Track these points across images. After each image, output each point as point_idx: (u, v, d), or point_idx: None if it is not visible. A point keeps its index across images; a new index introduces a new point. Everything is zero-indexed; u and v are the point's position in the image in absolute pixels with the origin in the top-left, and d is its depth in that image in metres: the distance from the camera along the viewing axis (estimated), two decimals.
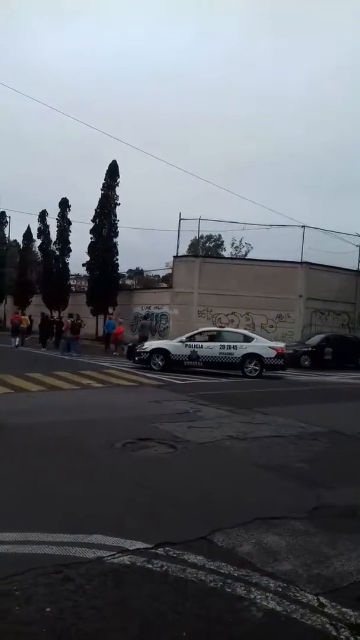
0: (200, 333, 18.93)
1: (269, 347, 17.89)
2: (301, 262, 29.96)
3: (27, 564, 3.72)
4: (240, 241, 58.90)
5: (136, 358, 18.77)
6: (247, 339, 18.17)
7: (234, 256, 53.78)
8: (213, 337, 18.44)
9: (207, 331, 19.21)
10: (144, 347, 18.89)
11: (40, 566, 3.70)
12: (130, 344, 21.57)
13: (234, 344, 17.82)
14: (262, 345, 17.94)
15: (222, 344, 17.88)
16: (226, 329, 19.47)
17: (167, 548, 4.08)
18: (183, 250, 34.28)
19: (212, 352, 17.80)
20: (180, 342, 18.41)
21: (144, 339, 22.38)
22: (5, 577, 3.53)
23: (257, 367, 17.55)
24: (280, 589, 3.54)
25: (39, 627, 3.01)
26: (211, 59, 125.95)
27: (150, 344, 19.30)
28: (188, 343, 18.14)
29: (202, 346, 17.98)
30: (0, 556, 3.87)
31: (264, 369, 17.66)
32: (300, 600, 3.41)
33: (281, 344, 18.87)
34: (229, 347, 17.75)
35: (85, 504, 5.13)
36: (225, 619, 3.19)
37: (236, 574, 3.72)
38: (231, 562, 3.91)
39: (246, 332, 19.72)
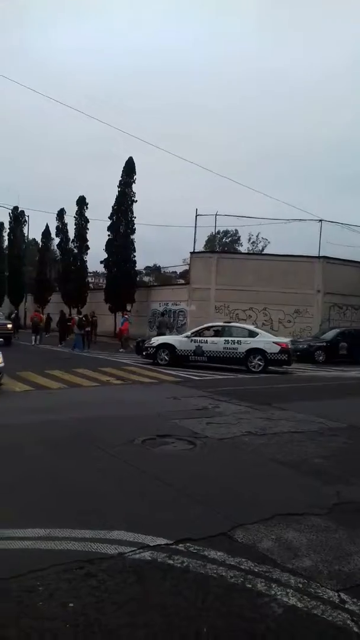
0: (208, 328, 19.03)
1: (273, 342, 17.84)
2: (319, 257, 29.76)
3: (50, 560, 3.78)
4: (257, 236, 58.78)
5: (143, 353, 19.13)
6: (252, 334, 18.16)
7: (251, 251, 53.69)
8: (218, 332, 18.52)
9: (213, 326, 19.27)
10: (150, 342, 19.18)
11: (63, 562, 3.76)
12: (138, 340, 21.92)
13: (238, 339, 17.87)
14: (266, 340, 17.93)
15: (227, 339, 17.97)
16: (231, 324, 19.42)
17: (187, 544, 4.11)
18: (200, 246, 34.28)
19: (217, 347, 17.91)
20: (186, 337, 18.66)
21: (161, 335, 22.48)
22: (28, 572, 3.58)
23: (260, 362, 17.54)
24: (301, 585, 3.55)
25: (62, 623, 3.06)
26: (226, 54, 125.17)
27: (156, 339, 19.55)
28: (193, 338, 18.34)
29: (207, 341, 18.12)
30: (23, 552, 3.94)
31: (268, 364, 17.63)
32: (321, 597, 3.41)
33: (285, 340, 18.84)
34: (233, 342, 17.81)
35: (105, 500, 5.18)
36: (246, 615, 3.20)
37: (257, 570, 3.74)
38: (251, 558, 3.92)
39: (251, 327, 19.66)
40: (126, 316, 27.38)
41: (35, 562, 3.74)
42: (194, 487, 5.63)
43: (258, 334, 18.25)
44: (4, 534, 4.21)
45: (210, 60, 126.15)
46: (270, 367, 17.78)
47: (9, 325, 27.56)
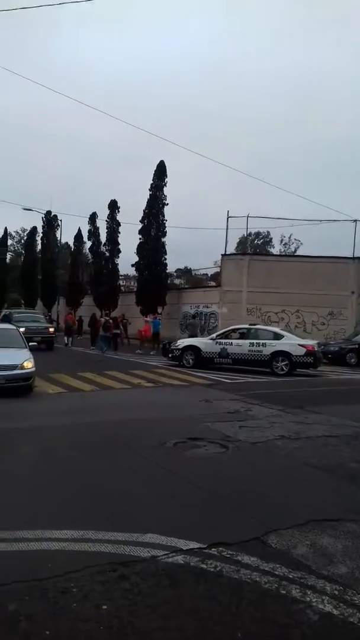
0: (233, 330, 18.97)
1: (299, 345, 17.53)
2: (353, 258, 29.30)
3: (84, 562, 3.81)
4: (289, 238, 58.35)
5: (169, 355, 19.29)
6: (277, 337, 17.98)
7: (283, 253, 53.21)
8: (243, 334, 18.44)
9: (238, 329, 19.18)
10: (176, 345, 19.32)
11: (96, 564, 3.79)
12: (165, 342, 22.11)
13: (263, 341, 17.72)
14: (292, 342, 17.65)
15: (252, 341, 17.87)
16: (256, 326, 19.29)
17: (220, 548, 4.09)
18: (231, 248, 34.12)
19: (242, 349, 17.84)
20: (211, 339, 18.72)
21: (192, 337, 22.50)
22: (63, 573, 3.62)
23: (285, 365, 17.31)
24: (336, 592, 3.49)
25: (96, 624, 3.08)
26: (248, 53, 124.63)
27: (182, 342, 19.70)
28: (218, 340, 18.36)
29: (231, 343, 18.09)
30: (58, 553, 3.98)
31: (293, 367, 17.36)
32: (358, 604, 3.35)
33: (312, 342, 18.52)
34: (258, 344, 17.67)
35: (138, 502, 5.20)
36: (281, 621, 3.17)
37: (291, 576, 3.69)
38: (286, 563, 3.88)
39: (276, 329, 19.47)
40: (147, 319, 27.68)
41: (69, 564, 3.78)
42: (226, 491, 5.60)
43: (283, 337, 18.06)
44: (41, 534, 4.27)
45: (243, 58, 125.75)
46: (297, 370, 17.57)
47: (51, 329, 26.96)
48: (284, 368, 17.26)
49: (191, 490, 5.63)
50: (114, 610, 3.23)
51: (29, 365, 11.79)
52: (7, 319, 25.64)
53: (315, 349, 17.76)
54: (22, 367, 11.65)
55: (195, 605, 3.32)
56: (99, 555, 3.96)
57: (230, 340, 18.23)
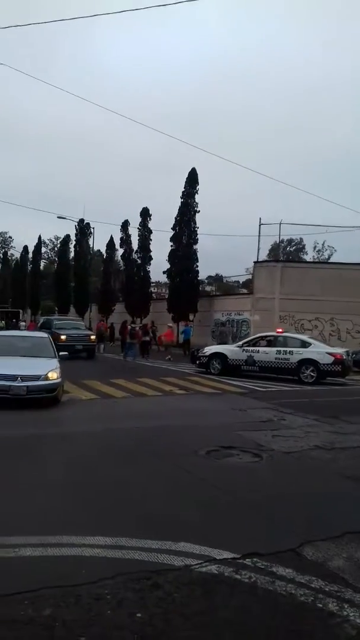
0: (262, 338, 18.87)
1: (327, 353, 17.26)
2: None
3: (117, 569, 3.81)
4: (323, 244, 57.74)
5: (197, 362, 19.37)
6: (304, 345, 17.76)
7: (317, 260, 52.62)
8: (270, 342, 18.32)
9: (265, 336, 19.06)
10: (203, 352, 19.35)
11: (130, 571, 3.79)
12: (193, 349, 22.23)
13: (291, 349, 17.56)
14: (319, 350, 17.39)
15: (279, 349, 17.74)
16: (284, 334, 19.09)
17: (254, 559, 4.04)
18: (263, 255, 33.95)
19: (268, 357, 17.73)
20: (238, 347, 18.68)
21: (223, 345, 22.47)
22: (97, 580, 3.63)
23: (313, 374, 17.03)
24: None
25: (130, 632, 3.07)
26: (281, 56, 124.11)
27: (209, 349, 19.72)
28: (245, 348, 18.32)
29: (258, 351, 18.01)
30: (91, 559, 4.00)
31: (321, 375, 17.07)
32: None
33: (340, 350, 18.17)
34: (285, 352, 17.53)
35: (171, 511, 5.18)
36: (318, 635, 3.11)
37: (327, 589, 3.61)
38: (322, 576, 3.80)
39: (304, 337, 19.20)
40: (170, 325, 28.15)
41: (103, 570, 3.78)
42: (260, 501, 5.54)
43: (311, 344, 17.81)
44: (75, 540, 4.30)
45: (277, 62, 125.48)
46: (326, 379, 17.30)
47: (93, 337, 25.77)
48: (312, 376, 17.03)
49: (224, 499, 5.59)
50: (148, 618, 3.22)
51: (53, 376, 11.19)
52: (46, 326, 25.37)
53: (344, 358, 17.39)
54: (46, 378, 11.04)
55: (230, 616, 3.29)
56: (131, 562, 3.95)
57: (257, 348, 18.17)
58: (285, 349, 17.65)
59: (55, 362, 11.84)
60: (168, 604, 3.39)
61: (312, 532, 4.63)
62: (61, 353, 12.44)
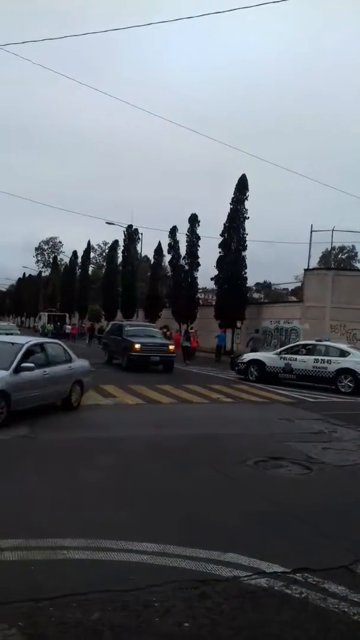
0: (302, 346, 18.69)
1: None
2: None
3: (165, 577, 3.78)
4: None
5: (235, 368, 19.57)
6: (343, 354, 17.38)
7: None
8: (309, 350, 18.09)
9: (305, 344, 18.87)
10: (242, 358, 19.50)
11: (177, 580, 3.75)
12: (232, 356, 22.37)
13: (329, 358, 17.21)
14: (357, 360, 16.85)
15: (317, 357, 17.46)
16: (323, 342, 18.74)
17: (305, 574, 3.92)
18: (313, 262, 33.37)
19: (306, 365, 17.48)
20: (276, 354, 18.63)
21: (255, 352, 22.28)
22: (145, 586, 3.61)
23: (351, 384, 16.56)
24: None
25: None
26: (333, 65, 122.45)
27: (247, 355, 19.77)
28: (283, 355, 18.19)
29: (296, 359, 17.79)
30: (139, 565, 3.98)
31: (359, 385, 16.58)
32: None
33: None
34: (323, 361, 17.21)
35: (218, 520, 5.11)
36: None
37: None
38: None
39: (344, 346, 18.76)
40: (192, 329, 28.86)
41: (151, 577, 3.76)
42: (311, 515, 5.39)
43: (350, 354, 17.40)
44: (123, 545, 4.30)
45: (317, 72, 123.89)
46: None
47: (171, 347, 21.25)
48: (349, 386, 16.60)
49: (273, 511, 5.48)
50: (196, 629, 3.17)
51: None
52: (116, 333, 22.73)
53: None
54: None
55: (281, 631, 3.20)
56: (179, 571, 3.91)
57: (295, 356, 17.99)
58: (323, 357, 17.37)
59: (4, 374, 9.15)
60: (216, 615, 3.33)
61: None
62: (25, 365, 9.49)
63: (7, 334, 21.32)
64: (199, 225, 38.61)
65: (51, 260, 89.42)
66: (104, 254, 74.02)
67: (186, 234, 39.04)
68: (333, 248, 37.26)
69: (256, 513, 5.37)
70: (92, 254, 69.91)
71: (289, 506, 5.60)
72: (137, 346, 19.74)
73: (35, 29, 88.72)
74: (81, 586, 3.59)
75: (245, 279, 33.25)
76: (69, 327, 49.10)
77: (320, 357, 17.39)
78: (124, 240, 50.31)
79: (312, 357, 17.54)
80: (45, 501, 5.46)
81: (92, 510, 5.24)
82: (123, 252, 51.05)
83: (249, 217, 32.93)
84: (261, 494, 6.00)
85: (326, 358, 17.27)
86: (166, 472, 6.73)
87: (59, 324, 51.67)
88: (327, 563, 4.13)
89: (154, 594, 3.53)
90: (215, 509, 5.45)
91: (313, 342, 18.87)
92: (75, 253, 65.50)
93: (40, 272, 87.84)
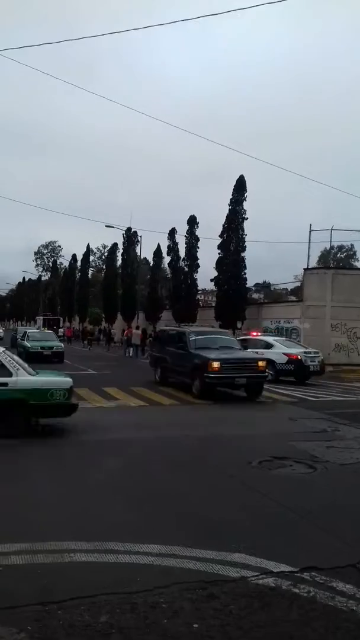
0: (244, 341, 19.68)
1: (283, 354, 18.51)
2: None
3: (172, 578, 3.78)
4: None
5: None
6: (268, 346, 19.05)
7: None
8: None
9: (244, 339, 20.14)
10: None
11: (185, 581, 3.74)
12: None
13: (257, 350, 18.34)
14: (277, 352, 18.58)
15: (251, 350, 18.25)
16: (258, 337, 20.73)
17: (313, 573, 3.92)
18: (313, 262, 33.39)
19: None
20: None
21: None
22: (152, 588, 3.61)
23: (272, 372, 17.41)
24: None
25: None
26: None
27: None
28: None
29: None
30: (146, 567, 3.98)
31: (278, 374, 18.11)
32: None
33: (296, 351, 18.99)
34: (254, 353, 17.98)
35: (225, 521, 5.10)
36: None
37: None
38: None
39: (271, 339, 20.56)
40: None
41: (158, 579, 3.76)
42: (316, 514, 5.39)
43: (273, 346, 19.05)
44: (130, 547, 4.29)
45: (316, 71, 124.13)
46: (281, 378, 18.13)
47: (261, 363, 14.65)
48: (271, 374, 17.20)
49: (279, 510, 5.47)
50: (205, 630, 3.16)
51: None
52: (173, 342, 16.45)
53: (300, 358, 18.40)
54: None
55: (290, 631, 3.20)
56: (187, 572, 3.91)
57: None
58: (255, 350, 18.32)
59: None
60: (225, 615, 3.32)
61: None
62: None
63: None
64: (197, 226, 38.60)
65: (51, 264, 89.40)
66: (103, 257, 74.01)
67: (185, 236, 39.03)
68: (332, 247, 37.21)
69: (261, 513, 5.37)
70: (91, 258, 70.02)
71: (293, 505, 5.59)
72: (216, 365, 13.75)
73: (35, 34, 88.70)
74: (89, 589, 3.59)
75: (245, 279, 33.25)
76: (61, 330, 50.06)
77: (252, 350, 18.36)
78: (123, 243, 50.32)
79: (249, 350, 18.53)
80: (51, 504, 5.46)
81: (97, 512, 5.23)
82: (122, 254, 51.05)
83: (247, 218, 32.94)
84: (266, 493, 5.98)
85: (256, 350, 18.31)
86: (170, 474, 6.73)
87: (54, 327, 52.05)
88: (334, 562, 4.13)
89: (162, 595, 3.53)
90: (222, 509, 5.44)
91: (249, 337, 20.91)
92: (74, 257, 65.55)
93: (40, 277, 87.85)
